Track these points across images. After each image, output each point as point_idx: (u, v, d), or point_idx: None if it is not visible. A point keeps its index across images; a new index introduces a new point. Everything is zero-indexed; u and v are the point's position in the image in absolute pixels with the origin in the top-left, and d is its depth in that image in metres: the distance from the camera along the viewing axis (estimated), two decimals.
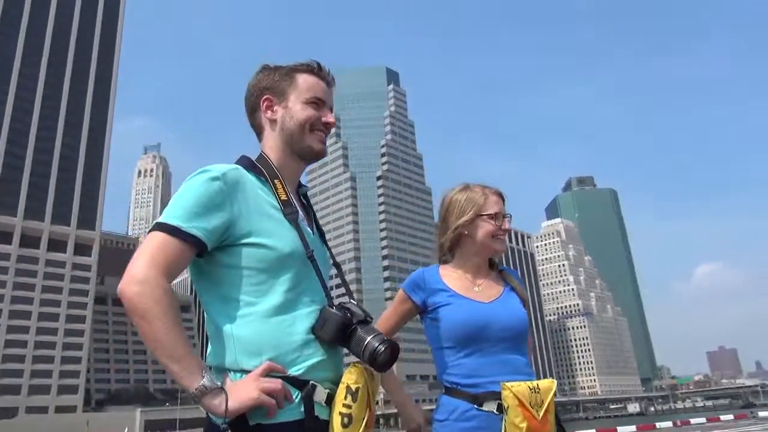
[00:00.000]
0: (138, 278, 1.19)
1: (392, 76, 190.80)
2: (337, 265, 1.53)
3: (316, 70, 1.49)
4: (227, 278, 1.32)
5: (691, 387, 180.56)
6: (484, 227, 1.76)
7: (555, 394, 1.63)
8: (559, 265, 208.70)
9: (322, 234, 1.51)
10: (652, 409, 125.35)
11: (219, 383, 1.20)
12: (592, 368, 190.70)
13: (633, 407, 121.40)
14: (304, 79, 1.47)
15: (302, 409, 1.24)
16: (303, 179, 1.55)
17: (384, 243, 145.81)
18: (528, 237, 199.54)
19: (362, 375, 1.28)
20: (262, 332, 1.28)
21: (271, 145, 1.47)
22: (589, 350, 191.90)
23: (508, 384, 1.57)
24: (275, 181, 1.40)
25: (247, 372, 1.24)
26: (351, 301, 1.37)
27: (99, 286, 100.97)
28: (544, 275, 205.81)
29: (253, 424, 1.20)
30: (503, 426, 1.56)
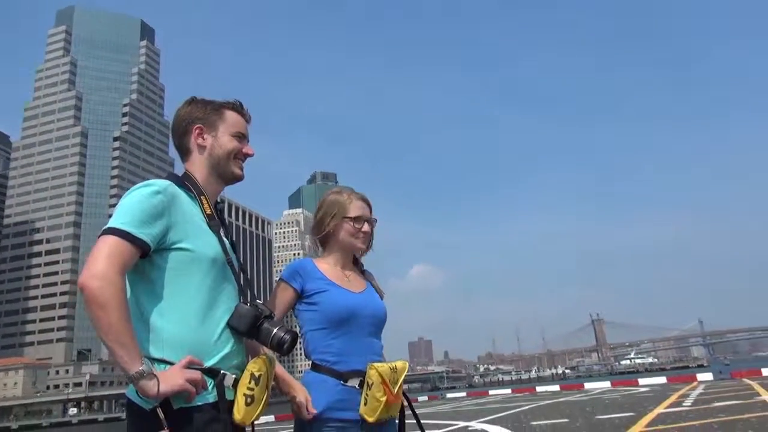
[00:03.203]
0: (99, 275, 1.43)
1: (147, 32, 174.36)
2: (243, 271, 1.76)
3: (239, 108, 1.84)
4: (159, 278, 1.57)
5: None
6: (346, 228, 2.05)
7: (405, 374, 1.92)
8: (294, 254, 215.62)
9: (233, 244, 1.78)
10: None
11: (153, 370, 1.44)
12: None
13: None
14: (230, 115, 1.81)
15: (215, 393, 1.53)
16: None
17: (113, 210, 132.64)
18: (268, 223, 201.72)
19: (265, 364, 1.59)
20: (186, 328, 1.54)
21: (198, 167, 1.77)
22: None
23: (375, 364, 1.84)
24: (201, 197, 1.71)
25: (170, 363, 1.49)
26: (258, 301, 1.67)
27: None
28: (279, 262, 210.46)
29: (177, 408, 1.46)
30: (363, 398, 1.84)
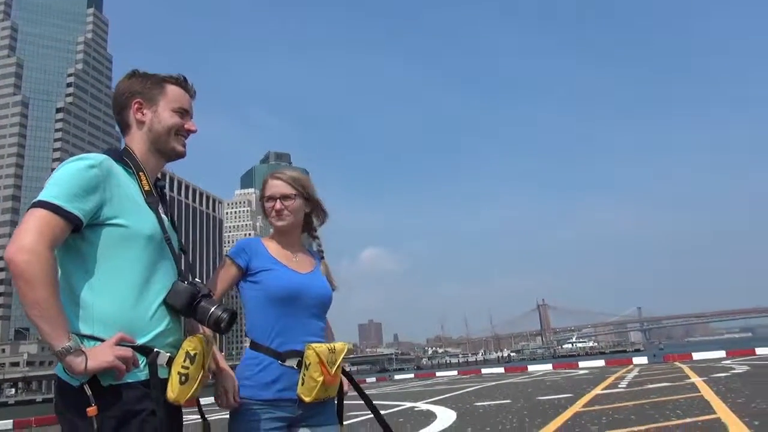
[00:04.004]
0: (27, 249, 1.38)
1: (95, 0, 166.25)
2: (183, 251, 1.72)
3: (182, 83, 1.77)
4: (92, 253, 1.51)
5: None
6: (266, 208, 2.07)
7: (344, 354, 1.93)
8: (245, 234, 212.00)
9: (173, 222, 1.75)
10: None
11: (81, 346, 1.40)
12: None
13: None
14: (172, 90, 1.74)
15: (147, 371, 1.49)
16: None
17: None
18: (219, 202, 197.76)
19: (200, 343, 1.54)
20: (119, 305, 1.50)
21: (137, 142, 1.71)
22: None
23: (313, 345, 1.85)
24: (140, 173, 1.65)
25: (100, 340, 1.45)
26: (197, 280, 1.64)
27: None
28: (230, 242, 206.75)
29: (106, 385, 1.42)
30: (300, 378, 1.84)
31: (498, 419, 8.31)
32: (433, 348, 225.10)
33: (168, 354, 1.54)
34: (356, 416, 10.91)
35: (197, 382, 1.53)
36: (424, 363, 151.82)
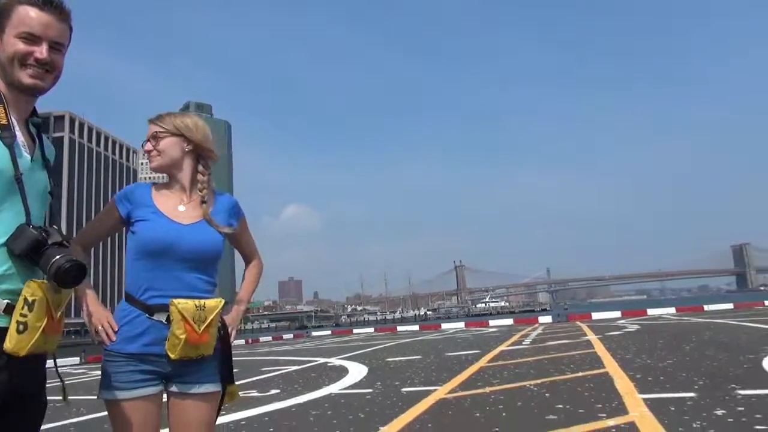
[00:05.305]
0: None
1: None
2: (51, 194, 1.56)
3: (36, 2, 1.47)
4: None
5: (261, 311, 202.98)
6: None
7: (220, 312, 1.83)
8: None
9: (48, 167, 1.56)
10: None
11: None
12: None
13: None
14: (19, 12, 1.47)
15: None
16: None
17: None
18: (134, 152, 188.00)
19: (40, 288, 1.37)
20: None
21: None
22: None
23: (176, 300, 1.76)
24: None
25: None
26: (53, 227, 1.46)
27: None
28: None
29: None
30: (168, 335, 1.77)
31: (407, 374, 8.59)
32: (353, 306, 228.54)
33: (6, 301, 1.37)
34: (271, 371, 10.96)
35: (38, 331, 1.37)
36: (343, 320, 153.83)
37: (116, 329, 1.79)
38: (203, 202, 1.94)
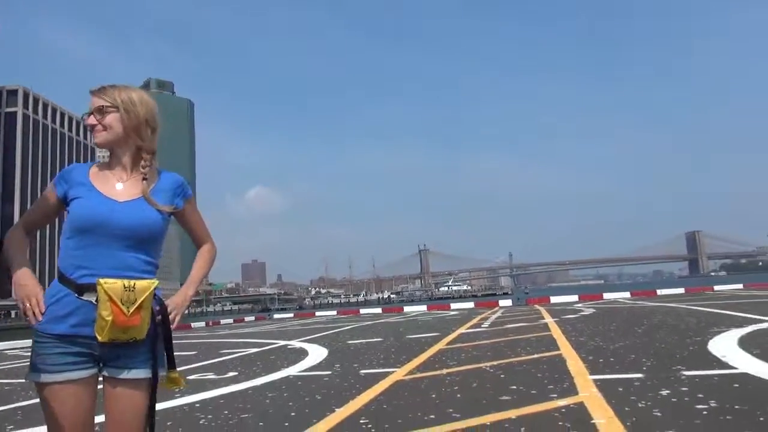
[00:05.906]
0: None
1: None
2: None
3: None
4: None
5: (223, 293, 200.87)
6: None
7: (153, 294, 1.74)
8: None
9: None
10: (186, 312, 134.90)
11: None
12: None
13: None
14: None
15: None
16: None
17: None
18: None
19: None
20: None
21: None
22: None
23: (102, 280, 1.67)
24: None
25: None
26: None
27: None
28: None
29: None
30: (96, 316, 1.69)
31: (366, 356, 8.62)
32: (317, 289, 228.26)
33: None
34: (230, 353, 10.85)
35: None
36: (307, 303, 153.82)
37: (43, 309, 1.73)
38: (144, 179, 1.86)
